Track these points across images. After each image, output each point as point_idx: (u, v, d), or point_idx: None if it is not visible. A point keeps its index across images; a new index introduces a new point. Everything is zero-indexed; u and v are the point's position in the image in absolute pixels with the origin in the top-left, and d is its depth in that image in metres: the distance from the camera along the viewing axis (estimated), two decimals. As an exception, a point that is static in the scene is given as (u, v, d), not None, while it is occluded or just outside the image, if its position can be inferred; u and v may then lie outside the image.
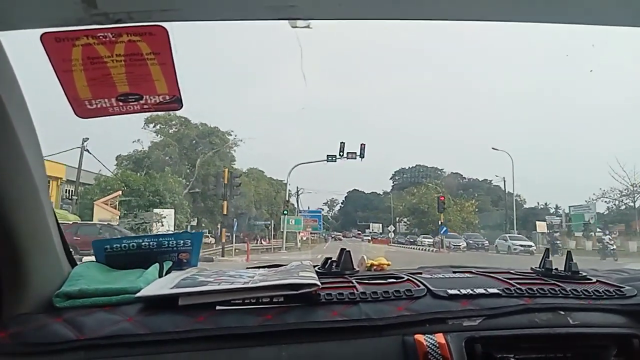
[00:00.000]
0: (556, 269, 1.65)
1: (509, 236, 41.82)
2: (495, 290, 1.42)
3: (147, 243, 1.74)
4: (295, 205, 65.32)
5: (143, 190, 40.21)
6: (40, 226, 1.31)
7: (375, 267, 1.91)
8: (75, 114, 1.28)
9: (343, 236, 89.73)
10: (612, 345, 1.34)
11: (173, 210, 36.06)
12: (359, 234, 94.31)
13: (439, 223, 48.99)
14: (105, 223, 29.42)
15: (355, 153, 41.33)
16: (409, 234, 71.79)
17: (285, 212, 42.46)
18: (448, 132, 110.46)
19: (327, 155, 41.64)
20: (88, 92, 1.24)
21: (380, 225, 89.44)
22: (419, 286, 1.45)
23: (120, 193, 37.61)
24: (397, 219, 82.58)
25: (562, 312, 1.36)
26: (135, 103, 1.31)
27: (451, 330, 1.29)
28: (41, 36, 1.11)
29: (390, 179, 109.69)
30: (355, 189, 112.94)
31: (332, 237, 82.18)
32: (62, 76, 1.19)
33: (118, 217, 34.70)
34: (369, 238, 75.58)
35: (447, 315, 1.32)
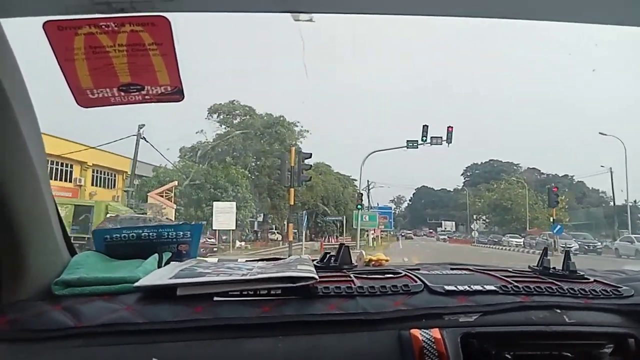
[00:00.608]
0: (554, 267, 1.66)
1: (635, 237, 33.69)
2: (492, 287, 1.42)
3: (146, 234, 1.75)
4: (363, 201, 59.70)
5: (204, 182, 37.96)
6: (40, 215, 1.32)
7: (373, 263, 1.93)
8: (77, 103, 1.28)
9: (414, 234, 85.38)
10: (607, 344, 1.35)
11: (234, 204, 33.05)
12: (430, 232, 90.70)
13: (551, 220, 41.67)
14: (153, 216, 27.22)
15: (441, 138, 35.08)
16: (490, 232, 65.96)
17: (360, 206, 37.48)
18: (524, 125, 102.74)
19: (408, 141, 35.56)
20: (90, 81, 1.24)
21: (453, 223, 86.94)
22: (416, 282, 1.45)
23: (176, 183, 35.63)
24: (475, 216, 76.98)
25: (559, 311, 1.37)
26: (137, 93, 1.31)
27: (447, 326, 1.29)
28: (44, 24, 1.10)
29: (462, 174, 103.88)
30: (424, 186, 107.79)
31: (403, 236, 77.00)
32: (64, 65, 1.19)
33: (173, 210, 32.24)
34: (445, 237, 72.26)
35: (443, 311, 1.33)
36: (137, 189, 37.99)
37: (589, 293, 1.44)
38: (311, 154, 26.39)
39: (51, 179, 37.71)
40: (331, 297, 1.34)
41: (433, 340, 1.24)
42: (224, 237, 35.43)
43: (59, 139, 37.48)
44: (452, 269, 1.73)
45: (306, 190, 47.17)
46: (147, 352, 1.17)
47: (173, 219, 26.50)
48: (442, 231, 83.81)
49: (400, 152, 38.26)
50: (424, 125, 35.14)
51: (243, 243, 38.41)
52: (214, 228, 31.66)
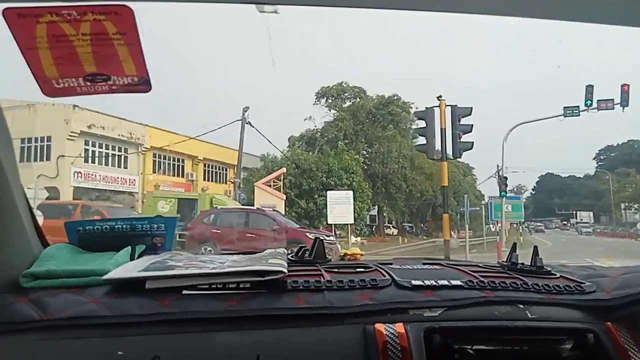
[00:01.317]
0: (522, 263, 1.68)
1: None
2: (458, 282, 1.44)
3: (120, 226, 1.74)
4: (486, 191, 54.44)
5: (315, 170, 35.11)
6: (7, 206, 1.31)
7: (348, 257, 1.93)
8: (42, 92, 1.27)
9: (545, 227, 77.95)
10: (568, 339, 1.37)
11: (351, 193, 27.35)
12: (564, 224, 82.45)
13: None
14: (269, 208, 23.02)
15: (612, 100, 26.78)
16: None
17: (504, 193, 28.90)
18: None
19: (565, 108, 27.65)
20: (55, 70, 1.23)
21: (591, 213, 77.25)
22: (384, 276, 1.47)
23: (284, 170, 32.41)
24: (624, 205, 67.42)
25: (521, 306, 1.39)
26: (103, 83, 1.30)
27: (412, 320, 1.31)
28: (3, 11, 1.10)
29: (594, 158, 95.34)
30: (548, 173, 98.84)
31: (533, 229, 70.68)
32: (27, 54, 1.18)
33: (283, 202, 28.96)
34: (589, 230, 63.57)
35: (408, 306, 1.34)
36: (245, 181, 36.27)
37: (552, 289, 1.46)
38: (471, 108, 17.36)
39: (164, 173, 37.34)
40: (299, 291, 1.35)
41: (397, 334, 1.25)
42: (337, 232, 30.21)
43: (163, 131, 38.86)
44: (424, 263, 1.75)
45: (424, 179, 43.98)
46: (113, 345, 1.17)
47: (283, 212, 26.58)
48: (579, 223, 74.39)
49: (511, 135, 31.73)
50: (587, 86, 27.50)
51: (358, 238, 33.52)
52: (329, 222, 26.67)
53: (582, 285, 1.50)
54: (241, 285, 1.33)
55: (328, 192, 28.13)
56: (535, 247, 1.72)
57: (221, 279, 1.34)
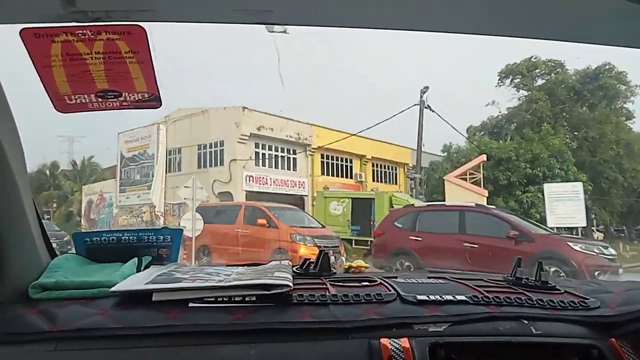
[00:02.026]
0: (527, 278, 1.67)
1: None
2: (463, 297, 1.44)
3: (127, 237, 1.76)
4: None
5: (514, 159, 28.99)
6: (17, 217, 1.34)
7: (353, 270, 1.95)
8: (55, 108, 1.31)
9: None
10: (572, 355, 1.37)
11: (580, 185, 20.98)
12: None
13: None
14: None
15: None
16: None
17: None
18: None
19: None
20: (67, 87, 1.27)
21: None
22: (389, 290, 1.47)
23: (485, 158, 26.02)
24: None
25: (526, 322, 1.39)
26: (114, 100, 1.33)
27: (417, 335, 1.31)
28: (20, 31, 1.13)
29: None
30: None
31: None
32: (42, 71, 1.22)
33: (485, 198, 21.93)
34: None
35: (413, 320, 1.35)
36: (426, 176, 31.47)
37: (557, 304, 1.46)
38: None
39: (332, 175, 36.04)
40: (305, 304, 1.36)
41: (402, 349, 1.26)
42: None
43: (330, 130, 36.36)
44: (428, 277, 1.74)
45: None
46: (120, 357, 1.19)
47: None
48: None
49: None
50: None
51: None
52: (549, 225, 18.83)
53: (586, 301, 1.49)
54: (247, 299, 1.34)
55: (546, 185, 22.34)
56: (540, 262, 1.70)
57: (227, 292, 1.35)
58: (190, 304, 1.31)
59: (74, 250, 1.74)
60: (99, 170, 51.53)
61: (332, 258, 15.37)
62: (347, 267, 1.99)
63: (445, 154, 34.09)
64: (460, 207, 14.85)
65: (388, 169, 43.50)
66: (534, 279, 1.66)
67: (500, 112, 40.15)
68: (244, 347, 1.24)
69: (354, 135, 32.95)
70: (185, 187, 16.06)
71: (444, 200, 20.78)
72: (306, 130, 36.22)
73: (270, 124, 33.87)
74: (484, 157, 26.15)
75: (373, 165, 41.58)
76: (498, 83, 40.30)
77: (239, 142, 32.43)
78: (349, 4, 1.18)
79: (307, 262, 1.78)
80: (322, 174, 37.70)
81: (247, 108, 32.71)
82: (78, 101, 1.32)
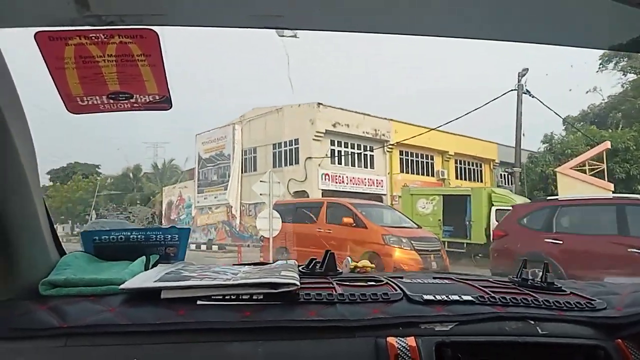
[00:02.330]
0: (532, 279, 1.69)
1: None
2: (469, 297, 1.46)
3: (135, 236, 1.78)
4: None
5: (634, 149, 25.82)
6: (28, 215, 1.36)
7: (358, 270, 1.97)
8: (67, 109, 1.33)
9: None
10: (578, 356, 1.38)
11: None
12: None
13: None
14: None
15: None
16: None
17: None
18: None
19: None
20: (80, 89, 1.29)
21: None
22: (396, 290, 1.49)
23: (609, 145, 22.22)
24: None
25: (532, 322, 1.40)
26: (126, 101, 1.36)
27: (423, 334, 1.33)
28: (35, 35, 1.16)
29: None
30: None
31: None
32: (55, 73, 1.24)
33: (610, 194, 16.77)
34: None
35: (420, 320, 1.36)
36: (525, 171, 27.02)
37: (563, 305, 1.47)
38: None
39: (412, 172, 34.58)
40: (312, 303, 1.38)
41: (408, 348, 1.27)
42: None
43: (409, 125, 34.37)
44: (434, 277, 1.76)
45: None
46: (129, 353, 1.20)
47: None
48: None
49: None
50: None
51: None
52: None
53: (592, 302, 1.50)
54: (254, 297, 1.36)
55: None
56: (546, 264, 1.71)
57: (235, 291, 1.37)
58: (199, 302, 1.33)
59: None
60: (179, 172, 53.11)
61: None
62: (352, 267, 2.00)
63: (546, 145, 30.15)
64: (619, 201, 10.71)
65: (473, 165, 41.24)
66: (539, 280, 1.67)
67: (603, 100, 36.81)
68: (252, 344, 1.26)
69: (434, 129, 30.86)
70: (261, 181, 14.98)
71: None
72: (384, 126, 34.90)
73: (346, 120, 32.85)
74: (607, 144, 22.44)
75: (456, 162, 39.82)
76: (599, 68, 35.96)
77: (314, 139, 31.79)
78: (358, 10, 1.18)
79: (314, 261, 1.80)
80: (401, 171, 36.30)
81: (322, 104, 31.91)
82: (90, 102, 1.34)
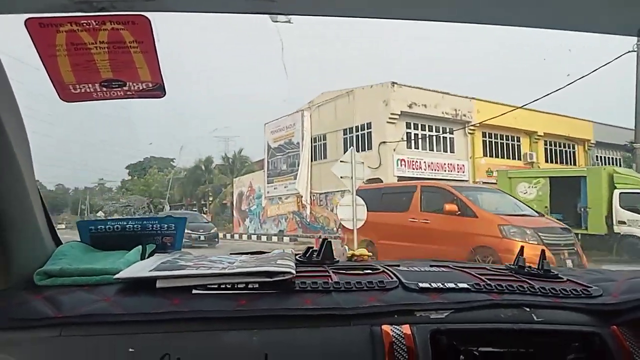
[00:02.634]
0: (529, 266, 1.69)
1: None
2: (465, 285, 1.46)
3: (131, 225, 1.79)
4: None
5: None
6: (23, 205, 1.37)
7: (356, 258, 1.96)
8: (60, 97, 1.33)
9: None
10: (573, 342, 1.38)
11: None
12: None
13: None
14: None
15: None
16: None
17: None
18: None
19: None
20: (72, 76, 1.28)
21: None
22: (392, 278, 1.49)
23: None
24: None
25: (527, 309, 1.40)
26: (119, 89, 1.35)
27: (418, 322, 1.33)
28: (25, 21, 1.15)
29: None
30: None
31: None
32: (47, 60, 1.23)
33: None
34: None
35: (415, 308, 1.36)
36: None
37: (559, 292, 1.47)
38: None
39: (497, 156, 33.93)
40: (307, 292, 1.38)
41: (403, 335, 1.28)
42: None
43: (493, 103, 30.58)
44: (431, 265, 1.76)
45: None
46: (124, 342, 1.21)
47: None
48: None
49: None
50: None
51: None
52: None
53: (589, 289, 1.51)
54: (250, 286, 1.37)
55: None
56: (543, 251, 1.73)
57: (230, 279, 1.37)
58: (194, 291, 1.33)
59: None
60: (249, 163, 52.15)
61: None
62: (349, 255, 1.99)
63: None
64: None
65: (564, 147, 36.41)
66: (536, 267, 1.67)
67: None
68: (247, 333, 1.26)
69: (520, 108, 26.96)
70: (341, 161, 13.27)
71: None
72: (465, 105, 31.14)
73: (423, 100, 29.54)
74: None
75: (545, 144, 35.35)
76: None
77: (388, 122, 28.84)
78: None
79: (311, 250, 1.81)
80: (485, 155, 32.44)
81: (396, 83, 28.94)
82: (83, 90, 1.33)
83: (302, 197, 34.26)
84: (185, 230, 1.85)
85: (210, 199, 52.78)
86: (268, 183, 38.55)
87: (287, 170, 36.29)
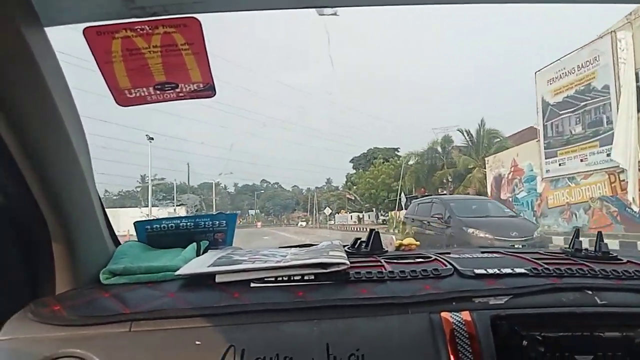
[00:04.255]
0: (586, 249, 1.66)
1: None
2: (522, 270, 1.44)
3: (184, 224, 1.84)
4: None
5: None
6: (87, 208, 1.43)
7: (404, 247, 1.96)
8: (116, 102, 1.38)
9: None
10: (638, 324, 1.34)
11: None
12: None
13: None
14: None
15: None
16: None
17: None
18: None
19: None
20: (127, 81, 1.33)
21: None
22: (446, 265, 1.49)
23: None
24: None
25: (590, 292, 1.38)
26: (172, 91, 1.38)
27: (477, 309, 1.32)
28: (84, 30, 1.20)
29: None
30: None
31: None
32: (103, 67, 1.28)
33: None
34: None
35: (473, 294, 1.36)
36: None
37: (621, 274, 1.44)
38: None
39: None
40: (363, 281, 1.39)
41: (463, 322, 1.27)
42: None
43: None
44: (482, 252, 1.74)
45: None
46: (191, 336, 1.24)
47: None
48: None
49: None
50: None
51: None
52: None
53: None
54: (306, 277, 1.39)
55: None
56: (600, 233, 1.68)
57: (287, 272, 1.40)
58: (252, 284, 1.37)
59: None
60: (501, 138, 40.57)
61: None
62: (397, 244, 2.00)
63: None
64: None
65: None
66: (593, 249, 1.64)
67: None
68: (308, 323, 1.28)
69: None
70: None
71: None
72: None
73: None
74: None
75: None
76: None
77: None
78: None
79: (359, 241, 1.81)
80: None
81: None
82: (137, 94, 1.38)
83: (619, 172, 19.80)
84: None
85: (451, 186, 43.13)
86: (547, 157, 24.57)
87: (586, 133, 21.94)
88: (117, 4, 1.14)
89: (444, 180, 43.99)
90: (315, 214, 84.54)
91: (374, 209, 61.36)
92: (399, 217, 35.87)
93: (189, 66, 1.31)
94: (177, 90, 1.38)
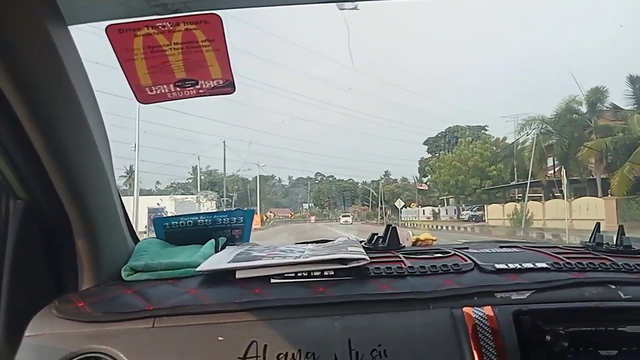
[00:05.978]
0: (607, 243, 1.64)
1: None
2: (544, 265, 1.44)
3: (202, 220, 1.85)
4: None
5: None
6: (108, 206, 1.44)
7: (420, 242, 1.95)
8: (137, 99, 1.38)
9: None
10: None
11: None
12: None
13: None
14: None
15: None
16: None
17: None
18: None
19: None
20: (149, 79, 1.33)
21: None
22: (466, 260, 1.49)
23: None
24: None
25: (613, 286, 1.37)
26: (192, 88, 1.38)
27: (499, 304, 1.32)
28: (106, 28, 1.20)
29: None
30: None
31: None
32: (125, 65, 1.28)
33: None
34: None
35: (495, 289, 1.35)
36: None
37: None
38: None
39: None
40: (383, 277, 1.39)
41: (486, 317, 1.27)
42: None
43: None
44: (501, 247, 1.74)
45: None
46: (213, 331, 1.25)
47: None
48: None
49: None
50: None
51: None
52: None
53: None
54: (325, 273, 1.39)
55: None
56: (621, 226, 1.66)
57: (307, 268, 1.40)
58: (272, 280, 1.37)
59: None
60: None
61: None
62: (414, 240, 1.98)
63: None
64: None
65: None
66: (614, 244, 1.62)
67: None
68: (329, 319, 1.28)
69: None
70: None
71: None
72: None
73: None
74: None
75: None
76: None
77: None
78: None
79: (376, 236, 1.81)
80: None
81: None
82: (158, 92, 1.38)
83: None
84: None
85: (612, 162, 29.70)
86: None
87: None
88: (139, 2, 1.14)
89: (595, 157, 31.10)
90: (382, 207, 69.08)
91: (452, 202, 50.43)
92: (529, 213, 28.89)
93: (209, 62, 1.31)
94: (197, 87, 1.38)
